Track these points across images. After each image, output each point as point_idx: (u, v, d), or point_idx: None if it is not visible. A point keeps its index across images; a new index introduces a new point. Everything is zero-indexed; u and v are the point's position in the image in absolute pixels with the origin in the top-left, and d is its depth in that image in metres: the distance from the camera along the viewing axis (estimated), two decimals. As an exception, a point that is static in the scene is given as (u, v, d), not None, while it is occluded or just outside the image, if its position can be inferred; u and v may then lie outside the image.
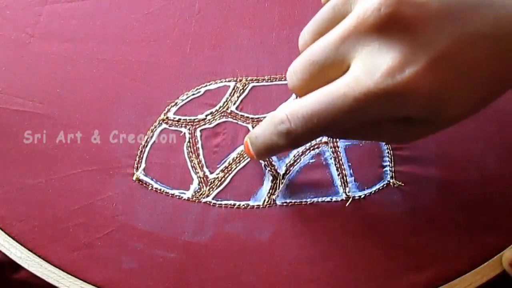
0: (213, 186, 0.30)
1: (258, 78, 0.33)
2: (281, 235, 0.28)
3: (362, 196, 0.29)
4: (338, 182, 0.30)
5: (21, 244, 0.28)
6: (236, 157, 0.30)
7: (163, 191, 0.30)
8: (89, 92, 0.33)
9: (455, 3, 0.21)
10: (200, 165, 0.30)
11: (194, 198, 0.29)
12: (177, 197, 0.30)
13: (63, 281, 0.27)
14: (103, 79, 0.33)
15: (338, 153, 0.31)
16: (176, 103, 0.32)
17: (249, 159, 0.30)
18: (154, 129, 0.31)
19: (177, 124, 0.32)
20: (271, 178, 0.30)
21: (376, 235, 0.28)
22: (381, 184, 0.30)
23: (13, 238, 0.28)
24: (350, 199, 0.29)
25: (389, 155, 0.30)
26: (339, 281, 0.27)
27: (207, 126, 0.32)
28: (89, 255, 0.28)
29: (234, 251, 0.28)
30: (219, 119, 0.32)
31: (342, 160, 0.30)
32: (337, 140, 0.31)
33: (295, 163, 0.30)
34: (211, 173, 0.30)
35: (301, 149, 0.31)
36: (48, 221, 0.29)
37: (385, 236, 0.28)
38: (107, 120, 0.32)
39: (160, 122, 0.32)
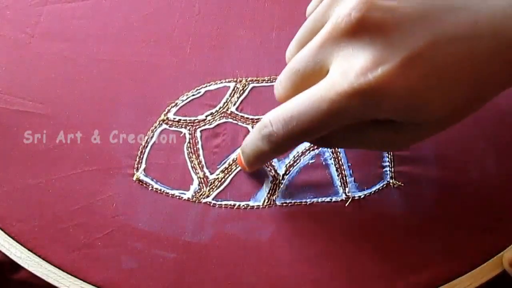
0: (213, 187, 0.30)
1: (258, 78, 0.33)
2: (281, 235, 0.28)
3: (362, 196, 0.29)
4: (338, 182, 0.30)
5: (21, 244, 0.28)
6: (236, 158, 0.30)
7: (163, 191, 0.30)
8: (89, 92, 0.33)
9: (430, 7, 0.21)
10: (200, 165, 0.30)
11: (194, 199, 0.29)
12: (177, 197, 0.30)
13: (63, 281, 0.27)
14: (103, 79, 0.33)
15: (338, 153, 0.31)
16: (176, 103, 0.32)
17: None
18: (154, 129, 0.31)
19: (177, 125, 0.32)
20: (271, 178, 0.30)
21: (376, 235, 0.28)
22: (381, 184, 0.30)
23: (13, 238, 0.28)
24: (350, 199, 0.29)
25: (389, 155, 0.30)
26: (339, 281, 0.27)
27: (207, 126, 0.32)
28: (89, 255, 0.28)
29: (234, 251, 0.28)
30: (219, 119, 0.32)
31: (342, 160, 0.30)
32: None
33: (295, 164, 0.30)
34: (211, 173, 0.30)
35: (301, 149, 0.31)
36: (48, 221, 0.29)
37: (385, 236, 0.28)
38: (107, 120, 0.32)
39: (160, 122, 0.32)
